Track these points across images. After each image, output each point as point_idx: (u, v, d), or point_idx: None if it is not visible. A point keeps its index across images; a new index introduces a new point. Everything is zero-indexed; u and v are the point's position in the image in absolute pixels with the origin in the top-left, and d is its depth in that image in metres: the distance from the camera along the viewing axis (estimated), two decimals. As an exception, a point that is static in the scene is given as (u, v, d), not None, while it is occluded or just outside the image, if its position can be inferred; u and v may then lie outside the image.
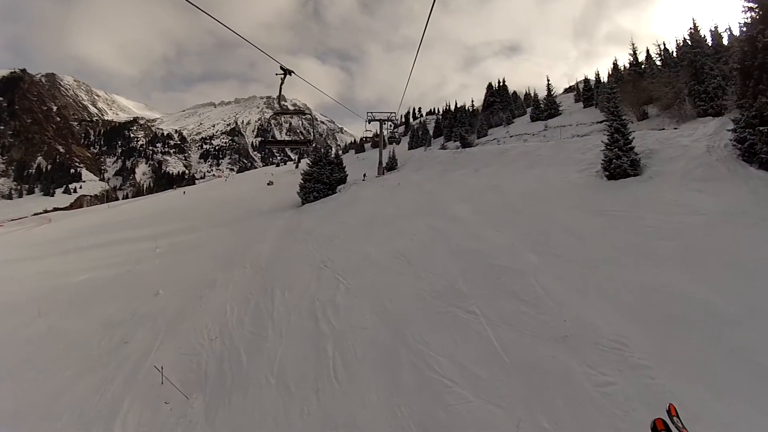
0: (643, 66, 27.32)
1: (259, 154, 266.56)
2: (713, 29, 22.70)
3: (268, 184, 47.13)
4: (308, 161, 24.36)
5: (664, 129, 19.81)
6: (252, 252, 12.69)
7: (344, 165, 26.20)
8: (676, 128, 18.85)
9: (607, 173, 12.40)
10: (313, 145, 21.60)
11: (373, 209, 15.96)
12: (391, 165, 30.58)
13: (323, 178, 22.93)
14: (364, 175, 27.23)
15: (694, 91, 19.47)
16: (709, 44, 22.40)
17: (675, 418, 1.83)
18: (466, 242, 9.06)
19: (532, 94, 48.90)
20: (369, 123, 32.01)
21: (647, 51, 28.73)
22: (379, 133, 32.64)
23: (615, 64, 35.39)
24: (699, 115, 18.66)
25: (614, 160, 12.04)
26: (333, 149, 34.00)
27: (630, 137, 12.39)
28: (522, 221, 9.85)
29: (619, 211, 9.35)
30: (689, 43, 22.54)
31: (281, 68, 8.00)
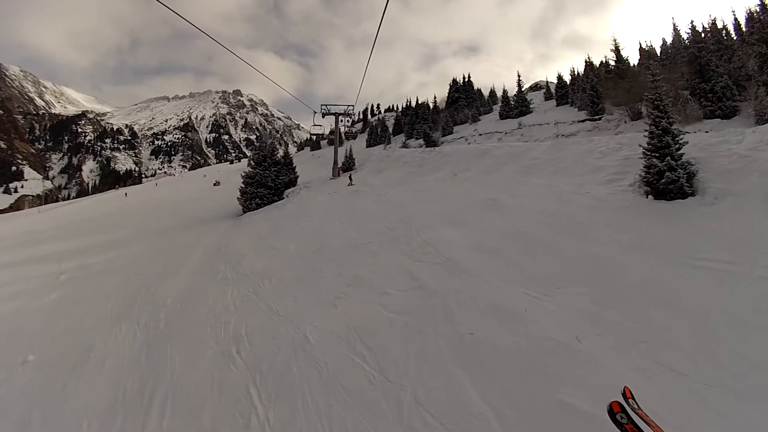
0: (628, 63, 25.25)
1: (213, 151, 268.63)
2: (710, 25, 20.66)
3: (215, 184, 43.24)
4: (249, 161, 20.66)
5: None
6: (159, 293, 8.82)
7: (294, 165, 23.17)
8: (683, 131, 16.47)
9: (650, 189, 9.07)
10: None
11: (324, 228, 11.75)
12: (348, 165, 26.44)
13: (267, 182, 19.52)
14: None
15: (699, 90, 17.14)
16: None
17: (630, 400, 1.95)
18: (483, 326, 5.04)
19: (500, 92, 46.80)
20: (323, 117, 27.31)
21: (640, 46, 26.86)
22: (334, 129, 28.01)
23: (589, 62, 33.60)
24: (705, 117, 16.39)
25: (667, 173, 8.68)
26: (281, 147, 29.55)
27: (682, 141, 9.13)
28: (565, 273, 6.04)
29: (715, 259, 5.85)
30: (685, 39, 20.38)
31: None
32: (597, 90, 23.49)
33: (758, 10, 19.21)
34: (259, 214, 17.04)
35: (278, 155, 22.73)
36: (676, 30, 24.75)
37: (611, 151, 11.57)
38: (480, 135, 34.12)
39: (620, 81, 21.12)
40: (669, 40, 27.16)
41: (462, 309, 5.41)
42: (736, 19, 23.01)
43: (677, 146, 9.00)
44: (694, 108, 16.39)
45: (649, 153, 9.24)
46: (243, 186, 19.41)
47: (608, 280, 5.73)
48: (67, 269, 12.62)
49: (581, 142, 13.46)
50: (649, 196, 8.99)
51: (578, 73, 34.28)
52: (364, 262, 7.92)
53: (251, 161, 21.07)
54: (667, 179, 8.63)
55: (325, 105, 27.28)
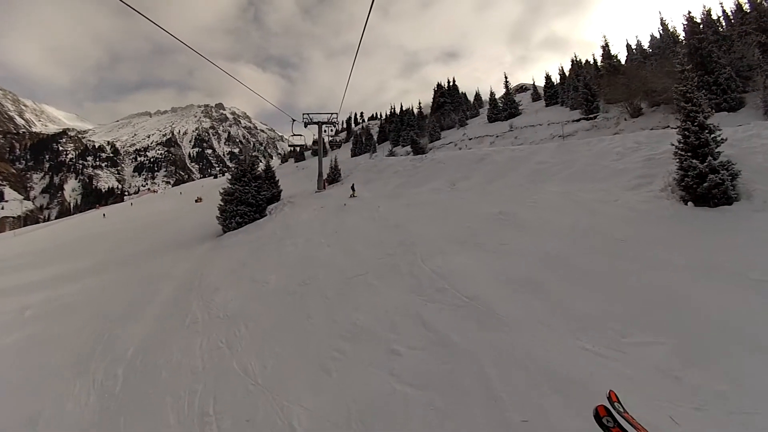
0: (618, 61, 24.58)
1: (197, 165, 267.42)
2: (704, 16, 20.02)
3: (196, 201, 41.58)
4: (229, 176, 19.30)
5: (669, 126, 16.56)
6: (121, 339, 7.45)
7: (277, 179, 22.15)
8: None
9: (687, 194, 7.91)
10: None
11: (310, 253, 10.29)
12: (334, 176, 25.03)
13: (248, 198, 18.02)
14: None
15: (702, 83, 16.34)
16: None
17: (616, 404, 1.89)
18: (539, 404, 3.65)
19: (486, 95, 46.24)
20: (306, 126, 25.86)
21: (628, 44, 26.29)
22: (317, 138, 26.54)
23: (576, 61, 33.08)
24: (712, 110, 15.57)
25: (710, 176, 7.52)
26: (262, 160, 27.90)
27: (720, 138, 8.03)
28: (626, 313, 4.71)
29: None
30: (679, 31, 19.74)
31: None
32: (591, 88, 22.73)
33: (754, -1, 18.80)
34: (239, 235, 15.56)
35: (259, 169, 21.26)
36: (664, 24, 24.30)
37: (629, 152, 10.46)
38: (470, 139, 33.18)
39: (617, 77, 20.32)
40: (657, 35, 26.77)
41: (504, 377, 4.01)
42: (724, 11, 22.67)
43: (716, 144, 7.89)
44: (702, 102, 15.48)
45: (683, 153, 8.10)
46: (222, 204, 17.92)
47: (682, 321, 4.43)
48: (32, 303, 11.36)
49: (591, 143, 12.35)
50: (689, 203, 7.83)
51: (566, 72, 33.69)
52: (362, 303, 6.46)
53: (230, 176, 19.26)
54: (711, 183, 7.48)
55: (308, 114, 25.87)
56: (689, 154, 7.97)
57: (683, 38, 18.74)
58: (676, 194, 8.33)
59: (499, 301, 5.34)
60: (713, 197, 7.51)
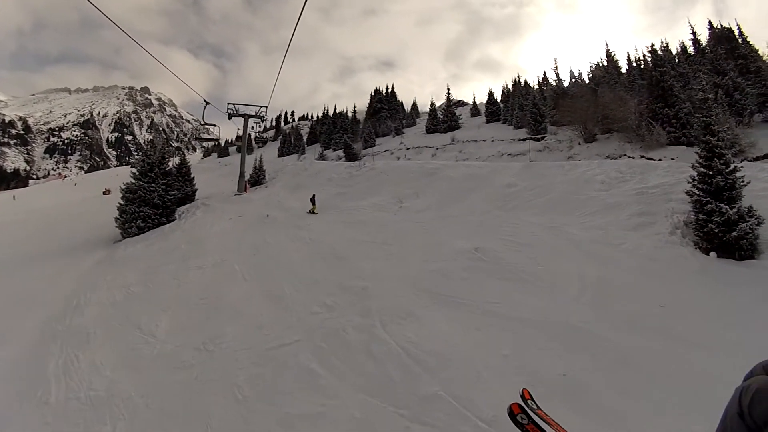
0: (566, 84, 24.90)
1: (114, 152, 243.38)
2: (662, 48, 20.61)
3: (104, 193, 35.00)
4: (132, 171, 15.92)
5: (626, 155, 16.36)
6: None
7: (192, 176, 19.22)
8: (649, 157, 15.42)
9: (706, 242, 6.58)
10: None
11: (218, 287, 7.79)
12: (257, 178, 21.63)
13: (154, 198, 15.12)
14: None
15: (662, 115, 16.42)
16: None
17: (529, 401, 1.93)
18: None
19: (421, 106, 45.71)
20: (230, 118, 21.95)
21: (578, 70, 26.77)
22: (242, 134, 22.63)
23: (518, 82, 33.58)
24: (670, 143, 15.58)
25: (740, 224, 6.18)
26: (177, 154, 23.80)
27: (745, 179, 6.85)
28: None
29: None
30: (648, 61, 20.25)
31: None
32: (540, 108, 22.48)
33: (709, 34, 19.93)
34: (138, 245, 12.60)
35: (169, 164, 17.63)
36: (609, 55, 25.40)
37: (615, 182, 9.17)
38: (408, 149, 31.68)
39: (572, 100, 20.12)
40: (597, 65, 28.03)
41: None
42: (683, 46, 23.62)
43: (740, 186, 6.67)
44: (660, 134, 15.49)
45: (702, 194, 6.76)
46: (122, 203, 14.86)
47: None
48: None
49: (564, 167, 11.05)
50: (711, 253, 6.44)
51: (510, 90, 34.09)
52: (294, 413, 3.77)
53: (135, 170, 15.73)
54: (740, 232, 6.11)
55: (233, 104, 21.94)
56: (710, 196, 6.66)
57: (650, 68, 18.87)
58: (687, 238, 7.00)
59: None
60: (740, 248, 6.19)
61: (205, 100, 19.00)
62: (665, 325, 4.59)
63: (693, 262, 6.22)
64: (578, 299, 5.37)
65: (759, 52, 18.71)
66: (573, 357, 4.09)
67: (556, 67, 25.58)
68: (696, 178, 7.00)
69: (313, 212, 13.44)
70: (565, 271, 6.08)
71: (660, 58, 18.21)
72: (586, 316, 4.90)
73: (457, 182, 12.69)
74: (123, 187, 15.23)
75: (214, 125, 20.50)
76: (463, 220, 9.36)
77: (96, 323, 6.92)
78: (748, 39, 19.15)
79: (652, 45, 19.12)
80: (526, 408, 1.79)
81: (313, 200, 13.91)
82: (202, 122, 19.62)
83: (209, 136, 23.72)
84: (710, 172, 6.79)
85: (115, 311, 7.43)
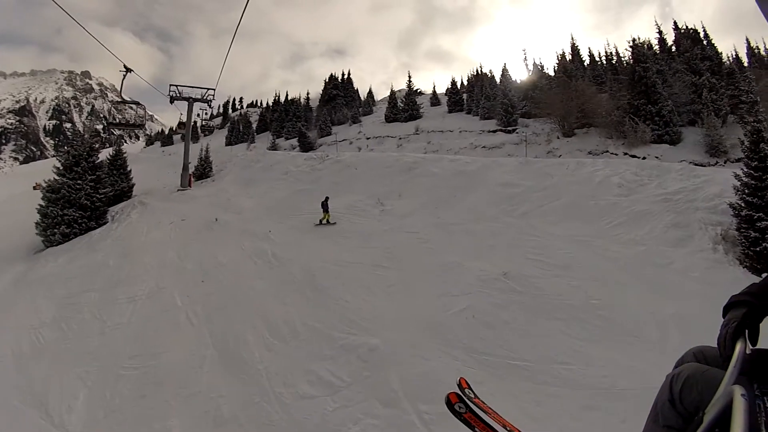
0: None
1: (52, 141, 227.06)
2: (634, 45, 20.42)
3: (35, 187, 29.26)
4: (56, 165, 13.66)
5: (608, 152, 15.94)
6: None
7: (129, 169, 17.39)
8: (632, 154, 15.04)
9: (756, 262, 5.77)
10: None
11: (156, 328, 6.25)
12: (203, 171, 19.16)
13: (80, 198, 12.96)
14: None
15: (645, 112, 16.11)
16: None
17: (467, 390, 1.89)
18: None
19: (379, 93, 44.16)
20: (172, 102, 18.77)
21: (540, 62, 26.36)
22: (186, 120, 19.43)
23: (481, 72, 32.94)
24: (653, 141, 15.31)
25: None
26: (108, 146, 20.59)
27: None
28: None
29: None
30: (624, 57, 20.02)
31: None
32: (510, 100, 21.75)
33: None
34: (60, 258, 10.75)
35: (99, 157, 14.92)
36: (574, 49, 25.24)
37: (634, 185, 8.26)
38: (368, 138, 30.03)
39: (551, 92, 19.48)
40: (560, 59, 27.92)
41: None
42: (662, 41, 23.66)
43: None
44: (645, 131, 15.15)
45: (752, 208, 5.89)
46: (43, 204, 12.82)
47: None
48: None
49: (568, 165, 10.05)
50: (763, 274, 5.59)
51: (469, 81, 33.37)
52: None
53: (58, 165, 13.46)
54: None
55: (175, 85, 18.75)
56: (761, 212, 5.80)
57: (630, 63, 18.62)
58: (730, 255, 6.14)
59: None
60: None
61: (125, 66, 14.29)
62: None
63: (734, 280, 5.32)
64: (664, 349, 4.15)
65: (723, 55, 19.29)
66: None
67: (525, 58, 25.16)
68: (743, 190, 6.16)
69: (328, 222, 10.33)
70: (629, 306, 4.89)
71: (643, 54, 17.99)
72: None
73: (444, 180, 11.32)
74: (44, 184, 13.00)
75: (138, 103, 17.35)
76: (468, 230, 7.97)
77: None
78: (712, 41, 19.70)
79: (634, 40, 18.94)
80: (464, 397, 1.69)
81: (325, 205, 10.56)
82: (121, 98, 16.44)
83: (131, 121, 20.31)
84: (762, 185, 5.96)
85: (17, 377, 5.28)
